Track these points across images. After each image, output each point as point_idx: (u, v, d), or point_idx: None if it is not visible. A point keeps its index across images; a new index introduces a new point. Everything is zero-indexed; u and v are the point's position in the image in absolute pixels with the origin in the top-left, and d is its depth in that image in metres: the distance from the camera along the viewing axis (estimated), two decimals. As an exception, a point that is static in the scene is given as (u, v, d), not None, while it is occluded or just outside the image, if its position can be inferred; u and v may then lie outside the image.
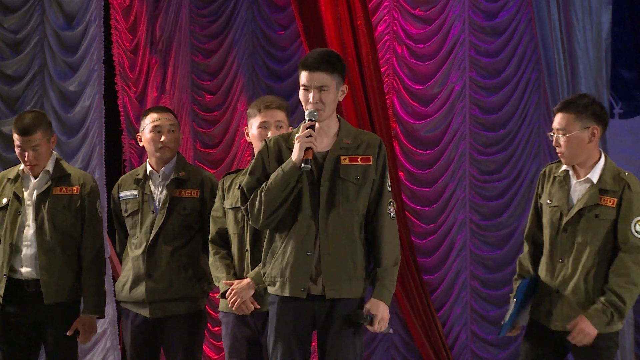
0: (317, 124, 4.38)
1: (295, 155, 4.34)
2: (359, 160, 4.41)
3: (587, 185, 4.76)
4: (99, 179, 7.74)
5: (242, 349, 4.96)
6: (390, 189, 4.46)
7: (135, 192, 5.33)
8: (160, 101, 8.37)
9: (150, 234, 5.24)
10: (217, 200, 5.12)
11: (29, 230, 5.44)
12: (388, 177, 4.46)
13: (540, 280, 4.84)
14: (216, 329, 8.14)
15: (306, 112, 4.39)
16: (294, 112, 8.23)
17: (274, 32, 8.51)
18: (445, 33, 8.14)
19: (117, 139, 8.23)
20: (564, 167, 4.84)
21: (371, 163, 4.41)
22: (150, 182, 5.34)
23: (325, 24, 7.79)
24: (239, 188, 4.90)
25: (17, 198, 5.46)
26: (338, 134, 4.44)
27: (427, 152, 8.22)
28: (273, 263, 4.42)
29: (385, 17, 8.26)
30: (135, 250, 5.29)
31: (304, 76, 4.38)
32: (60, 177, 5.48)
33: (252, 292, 4.86)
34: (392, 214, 4.45)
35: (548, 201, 4.84)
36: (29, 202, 5.46)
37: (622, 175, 4.77)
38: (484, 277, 8.09)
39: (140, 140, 5.41)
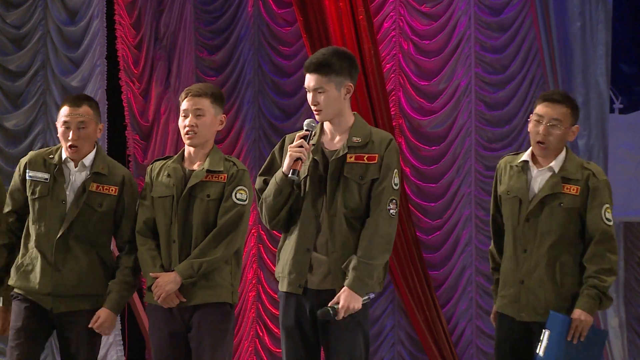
0: (315, 131, 4.40)
1: (284, 165, 4.34)
2: (365, 158, 4.37)
3: (549, 174, 4.67)
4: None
5: (166, 343, 4.81)
6: (396, 187, 4.38)
7: (46, 175, 4.98)
8: (165, 96, 8.36)
9: (62, 225, 4.93)
10: (145, 187, 4.93)
11: None
12: (395, 175, 4.37)
13: (506, 271, 4.76)
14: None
15: (305, 122, 4.41)
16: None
17: (280, 28, 8.50)
18: (451, 29, 8.16)
19: (121, 134, 8.21)
20: (524, 157, 4.75)
21: (376, 162, 4.36)
22: (65, 169, 5.01)
23: (329, 18, 7.80)
24: (168, 176, 4.80)
25: None
26: (350, 132, 4.41)
27: (433, 148, 8.24)
28: (280, 260, 4.47)
29: (391, 14, 8.27)
30: (42, 238, 4.95)
31: (306, 78, 4.41)
32: None
33: (178, 285, 4.73)
34: (391, 211, 4.36)
35: (507, 192, 4.74)
36: None
37: (586, 165, 4.69)
38: (489, 273, 8.08)
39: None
